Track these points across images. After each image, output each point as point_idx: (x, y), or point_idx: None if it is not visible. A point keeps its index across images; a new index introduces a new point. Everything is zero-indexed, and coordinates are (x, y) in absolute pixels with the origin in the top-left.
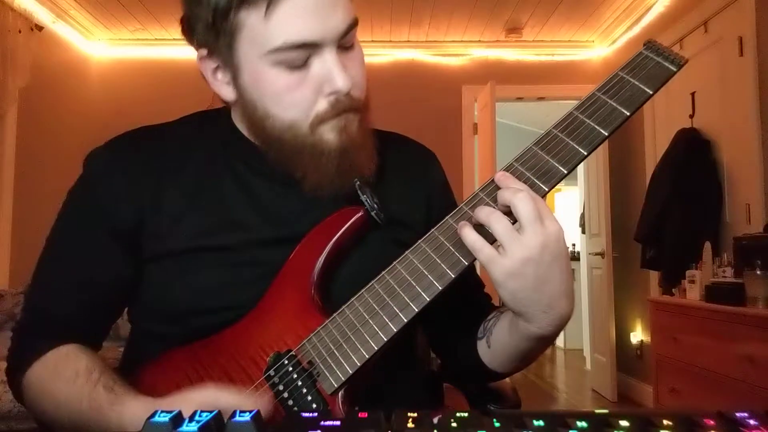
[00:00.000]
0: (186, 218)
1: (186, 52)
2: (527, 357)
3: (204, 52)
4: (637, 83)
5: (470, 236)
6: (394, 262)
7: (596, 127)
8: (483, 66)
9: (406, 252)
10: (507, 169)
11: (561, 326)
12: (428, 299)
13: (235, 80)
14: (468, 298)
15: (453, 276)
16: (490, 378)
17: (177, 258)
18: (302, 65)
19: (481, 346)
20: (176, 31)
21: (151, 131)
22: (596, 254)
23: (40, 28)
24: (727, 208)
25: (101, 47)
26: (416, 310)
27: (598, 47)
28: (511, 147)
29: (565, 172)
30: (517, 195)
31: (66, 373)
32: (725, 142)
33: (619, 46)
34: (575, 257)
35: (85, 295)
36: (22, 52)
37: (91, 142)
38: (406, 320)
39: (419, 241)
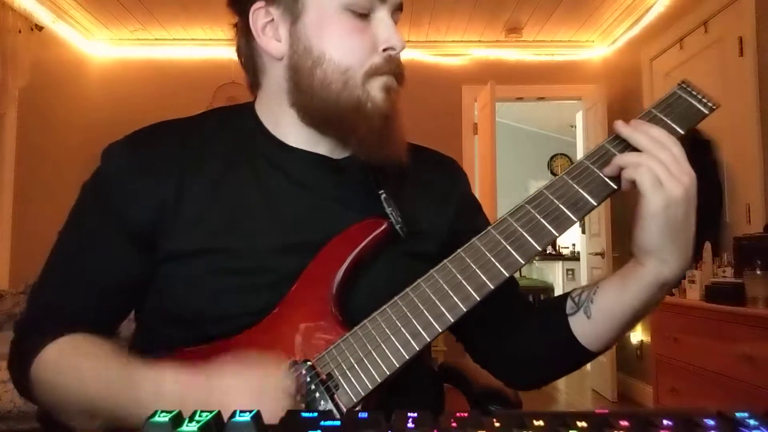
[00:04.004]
0: (205, 219)
1: (186, 52)
2: (636, 316)
3: (261, 4)
4: (669, 122)
5: (630, 167)
6: (419, 280)
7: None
8: (483, 66)
9: (432, 271)
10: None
11: (684, 272)
12: (452, 320)
13: (292, 27)
14: (515, 300)
15: (479, 299)
16: (581, 358)
17: (191, 259)
18: (364, 16)
19: (577, 320)
20: (176, 31)
21: (173, 126)
22: (596, 254)
23: (40, 28)
24: (727, 208)
25: (101, 47)
26: (439, 330)
27: (598, 47)
28: (511, 147)
29: (595, 204)
30: (660, 143)
31: (91, 349)
32: (725, 142)
33: (620, 46)
34: (575, 257)
35: (95, 293)
36: (22, 52)
37: (91, 142)
38: (428, 339)
39: (445, 261)
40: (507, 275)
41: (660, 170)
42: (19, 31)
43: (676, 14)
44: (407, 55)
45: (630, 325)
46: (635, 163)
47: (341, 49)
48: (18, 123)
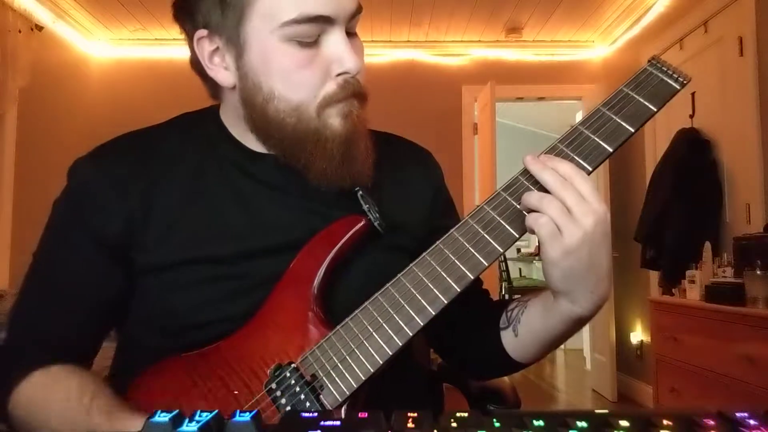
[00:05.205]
0: (178, 229)
1: (186, 52)
2: (559, 341)
3: (203, 32)
4: (641, 100)
5: (531, 216)
6: (399, 275)
7: (601, 143)
8: (483, 66)
9: (411, 265)
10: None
11: (599, 307)
12: (433, 313)
13: (239, 60)
14: (472, 295)
15: (459, 290)
16: (511, 369)
17: (169, 271)
18: (312, 43)
19: (507, 336)
20: (176, 31)
21: (138, 137)
22: None
23: (40, 28)
24: (727, 208)
25: (101, 47)
26: (421, 324)
27: (598, 47)
28: (511, 147)
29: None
30: (564, 182)
31: (57, 396)
32: (725, 142)
33: (620, 46)
34: None
35: (75, 311)
36: (22, 52)
37: (91, 143)
38: (411, 334)
39: (424, 254)
40: (486, 265)
41: (559, 216)
42: (19, 31)
43: (676, 14)
44: (407, 56)
45: (553, 346)
46: (535, 217)
47: (289, 84)
48: (18, 123)
